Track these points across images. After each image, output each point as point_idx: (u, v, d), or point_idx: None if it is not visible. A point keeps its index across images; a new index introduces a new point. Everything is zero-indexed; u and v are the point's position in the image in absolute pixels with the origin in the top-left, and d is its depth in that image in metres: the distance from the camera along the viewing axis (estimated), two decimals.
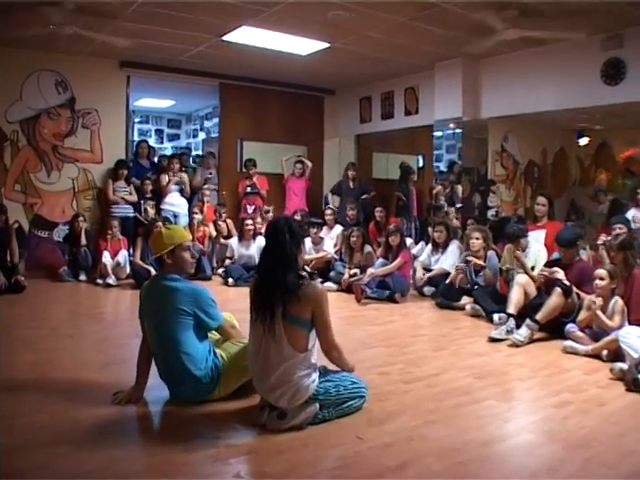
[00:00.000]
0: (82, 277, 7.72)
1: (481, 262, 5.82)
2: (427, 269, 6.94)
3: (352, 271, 7.10)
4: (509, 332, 4.55)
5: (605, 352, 3.99)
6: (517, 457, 2.51)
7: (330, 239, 8.23)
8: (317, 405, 2.86)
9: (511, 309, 4.74)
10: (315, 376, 2.88)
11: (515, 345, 4.41)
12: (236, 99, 9.61)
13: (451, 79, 8.09)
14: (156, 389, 3.26)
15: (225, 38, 7.23)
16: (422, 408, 3.12)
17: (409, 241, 8.22)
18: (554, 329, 4.56)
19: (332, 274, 7.57)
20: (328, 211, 8.68)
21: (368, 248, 7.30)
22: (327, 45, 7.42)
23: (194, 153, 12.21)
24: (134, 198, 8.41)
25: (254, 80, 9.53)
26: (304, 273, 2.95)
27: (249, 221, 8.09)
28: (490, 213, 9.73)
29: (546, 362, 4.05)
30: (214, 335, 3.40)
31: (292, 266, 2.81)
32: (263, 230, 8.57)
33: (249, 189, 9.33)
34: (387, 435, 2.76)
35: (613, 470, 2.41)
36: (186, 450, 2.58)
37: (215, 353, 3.24)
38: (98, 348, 4.38)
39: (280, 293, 2.77)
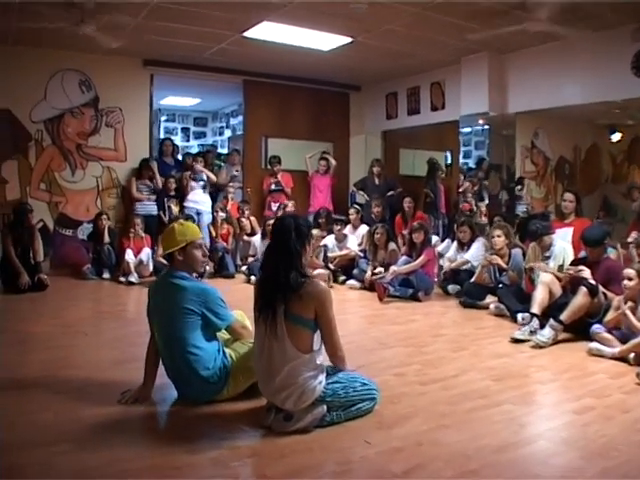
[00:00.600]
0: (106, 275, 7.73)
1: (501, 262, 5.65)
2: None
3: (377, 269, 6.97)
4: (532, 333, 4.39)
5: (632, 355, 3.80)
6: (530, 466, 2.37)
7: (354, 237, 8.12)
8: (324, 407, 2.76)
9: (535, 309, 4.57)
10: (322, 377, 2.78)
11: (538, 346, 4.24)
12: (260, 96, 9.56)
13: (477, 73, 7.90)
14: (165, 389, 3.22)
15: (246, 34, 7.17)
16: (435, 411, 3.00)
17: (435, 239, 8.06)
18: (580, 330, 4.37)
19: (355, 272, 7.47)
20: (352, 210, 8.55)
21: (392, 245, 7.18)
22: (349, 40, 7.31)
23: (219, 151, 12.19)
24: (159, 186, 8.40)
25: (278, 77, 9.46)
26: (308, 272, 2.85)
27: (271, 220, 7.98)
28: (521, 210, 9.54)
29: (569, 364, 3.87)
30: (225, 334, 3.32)
31: (295, 265, 2.73)
32: None
33: (273, 186, 9.28)
34: (396, 439, 2.65)
35: None
36: (188, 451, 2.51)
37: (224, 353, 3.17)
38: (113, 346, 4.35)
39: (282, 292, 2.69)
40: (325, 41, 7.42)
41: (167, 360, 3.18)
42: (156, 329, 3.22)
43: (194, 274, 3.29)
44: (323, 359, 2.83)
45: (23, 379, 3.53)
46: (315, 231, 7.79)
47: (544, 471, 2.32)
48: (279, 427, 2.73)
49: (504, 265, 5.61)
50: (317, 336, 2.77)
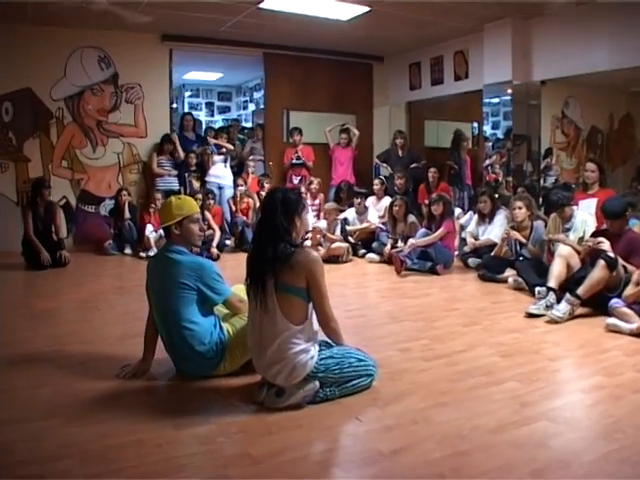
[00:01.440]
0: (127, 250, 7.77)
1: (520, 237, 5.46)
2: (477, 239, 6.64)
3: (399, 243, 6.85)
4: (548, 307, 4.23)
5: None
6: (526, 448, 2.24)
7: (375, 210, 7.99)
8: (317, 383, 2.70)
9: (551, 282, 4.40)
10: (314, 352, 2.71)
11: (553, 321, 4.08)
12: (281, 69, 9.41)
13: (500, 41, 7.59)
14: (164, 363, 3.20)
15: (262, 5, 7.00)
16: (435, 389, 2.91)
17: (458, 211, 7.90)
18: (598, 305, 4.19)
19: (374, 245, 7.36)
20: (376, 181, 8.42)
21: (412, 218, 7.04)
22: (367, 9, 7.09)
23: (243, 125, 12.11)
24: (181, 157, 8.39)
25: (298, 49, 9.27)
26: (299, 243, 2.77)
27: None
28: (550, 182, 9.27)
29: (584, 340, 3.72)
30: (224, 309, 3.27)
31: (284, 238, 2.65)
32: (309, 202, 8.50)
33: (294, 160, 9.17)
34: (390, 417, 2.57)
35: (634, 470, 2.10)
36: (176, 426, 2.49)
37: (221, 328, 3.13)
38: (122, 321, 4.35)
39: (271, 265, 2.61)
40: (342, 10, 7.21)
41: (164, 335, 3.16)
42: (153, 304, 3.20)
43: (190, 248, 3.24)
44: (316, 334, 2.76)
45: (29, 354, 3.55)
46: (330, 204, 7.74)
47: (539, 454, 2.20)
48: (271, 403, 2.68)
49: (523, 240, 5.42)
50: (310, 306, 2.70)
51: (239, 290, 3.37)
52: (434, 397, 2.79)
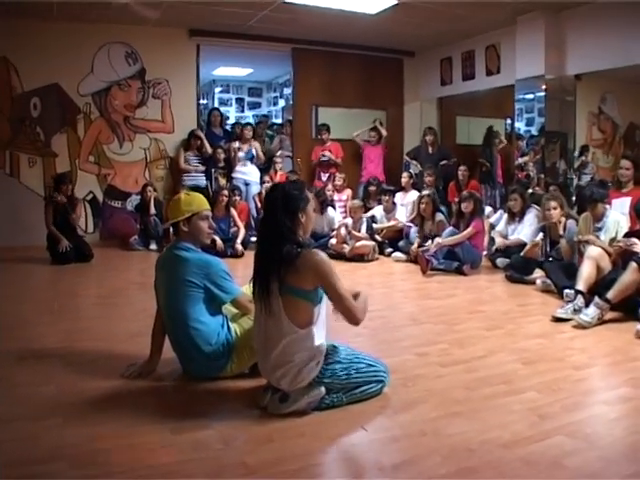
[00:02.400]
0: (152, 246, 7.75)
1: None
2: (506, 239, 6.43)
3: (428, 243, 6.67)
4: (576, 311, 4.02)
5: None
6: (539, 466, 2.08)
7: (402, 207, 7.85)
8: (322, 389, 2.57)
9: (580, 285, 4.18)
10: (320, 358, 2.58)
11: (581, 326, 3.87)
12: (310, 64, 9.30)
13: (533, 34, 7.35)
14: (171, 363, 3.12)
15: (287, 0, 6.92)
16: (449, 397, 2.75)
17: (488, 209, 7.69)
18: (629, 309, 3.98)
19: (401, 243, 7.21)
20: (404, 174, 8.30)
21: (440, 216, 6.85)
22: (394, 2, 6.93)
23: (273, 121, 12.05)
24: (208, 152, 8.32)
25: (327, 44, 9.16)
26: (307, 242, 2.64)
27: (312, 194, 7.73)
28: (585, 180, 8.97)
29: (612, 348, 3.51)
30: (233, 308, 3.18)
31: (287, 238, 2.51)
32: (336, 198, 8.38)
33: (323, 158, 9.06)
34: (397, 427, 2.44)
35: None
36: (174, 430, 2.40)
37: (229, 328, 3.03)
38: (137, 317, 4.28)
39: (276, 266, 2.49)
40: (370, 4, 7.06)
41: (171, 334, 3.08)
42: (161, 302, 3.13)
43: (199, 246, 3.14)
44: (324, 338, 2.63)
45: (39, 350, 3.52)
46: (356, 202, 7.60)
47: (552, 474, 2.03)
48: (274, 409, 2.56)
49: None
50: (317, 309, 2.57)
51: (249, 290, 3.27)
52: (447, 406, 2.65)
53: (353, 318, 2.59)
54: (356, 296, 2.69)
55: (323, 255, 2.55)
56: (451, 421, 2.49)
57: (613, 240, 4.50)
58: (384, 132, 9.38)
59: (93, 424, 2.46)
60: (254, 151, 8.60)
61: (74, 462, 2.13)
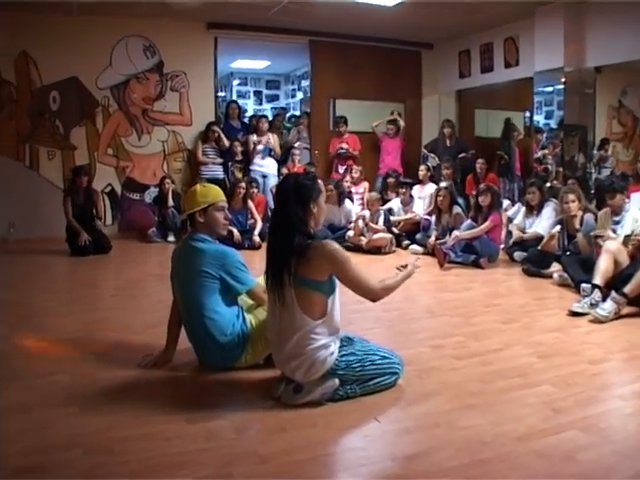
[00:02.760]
0: (170, 238, 7.80)
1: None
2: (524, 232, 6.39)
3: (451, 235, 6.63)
4: (593, 305, 3.98)
5: None
6: (552, 460, 2.07)
7: (420, 200, 7.82)
8: (336, 380, 2.58)
9: (597, 279, 4.13)
10: (334, 349, 2.59)
11: (597, 321, 3.83)
12: (327, 57, 9.27)
13: (552, 25, 7.25)
14: (187, 354, 3.14)
15: None
16: (464, 389, 2.75)
17: (506, 203, 7.63)
18: None
19: (418, 236, 7.19)
20: (422, 167, 8.27)
21: (457, 209, 6.81)
22: None
23: (291, 113, 12.04)
24: (225, 145, 8.34)
25: (345, 36, 9.11)
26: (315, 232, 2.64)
27: (330, 186, 7.69)
28: (604, 174, 8.85)
29: (629, 343, 3.46)
30: (248, 299, 3.19)
31: (298, 229, 2.51)
32: (353, 190, 8.37)
33: (340, 150, 9.04)
34: (410, 419, 2.44)
35: None
36: (188, 420, 2.42)
37: (244, 319, 3.04)
38: (153, 308, 4.31)
39: (287, 258, 2.50)
40: None
41: (186, 325, 3.11)
42: (177, 292, 3.15)
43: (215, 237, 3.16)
44: (338, 330, 2.64)
45: (57, 340, 3.57)
46: (373, 194, 7.58)
47: (565, 468, 2.02)
48: (288, 399, 2.58)
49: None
50: (330, 301, 2.57)
51: (264, 281, 3.28)
52: (461, 399, 2.64)
53: (376, 298, 2.70)
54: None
55: (335, 244, 2.55)
56: (465, 414, 2.48)
57: (628, 237, 4.44)
58: (402, 123, 9.33)
59: (109, 413, 2.49)
60: (271, 145, 8.60)
61: (90, 450, 2.16)
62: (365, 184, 8.60)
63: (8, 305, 4.41)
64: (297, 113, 11.83)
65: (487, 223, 6.20)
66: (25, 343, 3.47)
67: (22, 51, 7.62)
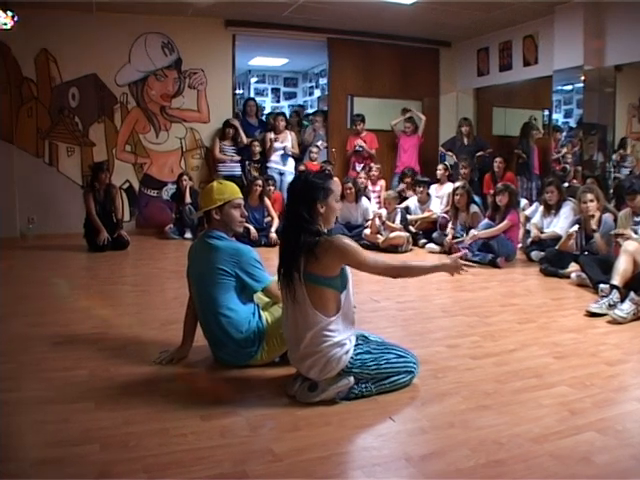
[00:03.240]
0: (187, 235, 7.83)
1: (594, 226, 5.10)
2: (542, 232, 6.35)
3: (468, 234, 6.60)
4: (611, 306, 3.94)
5: None
6: (568, 462, 2.05)
7: (437, 198, 7.79)
8: (351, 379, 2.58)
9: (616, 280, 4.09)
10: (349, 346, 2.59)
11: (615, 322, 3.79)
12: (345, 54, 9.25)
13: (572, 23, 7.16)
14: (204, 351, 3.17)
15: None
16: (479, 390, 2.73)
17: (524, 202, 7.57)
18: None
19: (435, 235, 7.17)
20: (440, 166, 8.23)
21: (474, 208, 6.78)
22: None
23: (308, 111, 12.02)
24: (243, 141, 8.35)
25: (363, 34, 9.09)
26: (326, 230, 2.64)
27: (349, 184, 7.68)
28: (624, 173, 8.75)
29: None
30: (264, 297, 3.20)
31: (305, 228, 2.53)
32: (370, 188, 8.35)
33: (358, 148, 9.02)
34: (426, 419, 2.43)
35: None
36: (203, 417, 2.43)
37: (260, 316, 3.05)
38: (168, 305, 4.36)
39: (297, 256, 2.51)
40: None
41: (202, 322, 3.13)
42: (193, 290, 3.17)
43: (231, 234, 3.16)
44: (353, 327, 2.63)
45: (73, 335, 3.60)
46: (390, 193, 7.55)
47: (582, 470, 2.00)
48: (303, 397, 2.58)
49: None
50: (342, 297, 2.57)
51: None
52: (477, 399, 2.63)
53: (393, 274, 2.69)
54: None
55: (343, 238, 2.56)
56: (480, 414, 2.47)
57: None
58: (422, 116, 9.27)
59: (125, 408, 2.51)
60: (289, 144, 8.60)
61: (105, 445, 2.18)
62: (382, 182, 8.58)
63: (27, 300, 4.46)
64: (312, 111, 11.81)
65: (505, 222, 6.17)
66: (42, 338, 3.50)
67: (42, 49, 7.69)
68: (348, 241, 2.55)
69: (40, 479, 1.96)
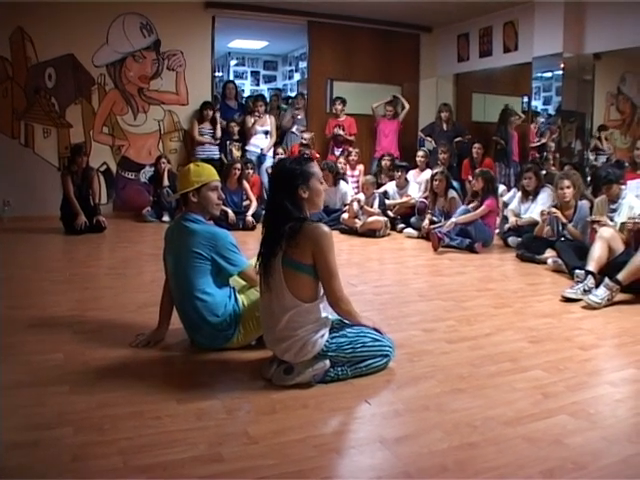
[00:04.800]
0: (165, 218, 7.76)
1: (561, 216, 5.15)
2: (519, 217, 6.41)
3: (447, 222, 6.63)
4: (586, 292, 3.99)
5: None
6: (541, 444, 2.08)
7: (416, 184, 7.80)
8: (327, 362, 2.59)
9: (591, 266, 4.14)
10: (324, 331, 2.59)
11: (590, 307, 3.85)
12: (325, 38, 9.20)
13: (552, 11, 7.20)
14: (180, 334, 3.16)
15: None
16: (454, 373, 2.76)
17: (502, 188, 7.61)
18: None
19: (413, 220, 7.19)
20: (420, 153, 8.22)
21: (452, 193, 6.80)
22: None
23: (289, 94, 11.96)
24: (219, 134, 8.29)
25: (344, 17, 9.03)
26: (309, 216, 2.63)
27: (327, 168, 7.65)
28: (601, 161, 8.85)
29: (621, 329, 3.48)
30: (241, 280, 3.19)
31: (291, 215, 2.52)
32: (348, 173, 8.34)
33: (336, 131, 8.98)
34: (401, 402, 2.44)
35: None
36: (179, 400, 2.42)
37: (236, 299, 3.05)
38: (146, 288, 4.32)
39: (277, 241, 2.51)
40: None
41: (178, 305, 3.11)
42: (169, 272, 3.15)
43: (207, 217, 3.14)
44: (328, 313, 2.64)
45: (49, 318, 3.57)
46: (368, 177, 7.56)
47: (554, 452, 2.03)
48: (279, 380, 2.58)
49: (564, 219, 5.14)
50: (320, 286, 2.58)
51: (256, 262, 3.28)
52: (451, 382, 2.65)
53: (337, 301, 2.57)
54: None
55: (327, 229, 2.54)
56: (455, 397, 2.49)
57: (624, 224, 4.43)
58: (407, 104, 9.26)
59: (100, 392, 2.49)
60: (269, 128, 8.56)
61: (80, 428, 2.17)
62: (360, 167, 8.58)
63: (3, 282, 4.40)
64: (294, 94, 11.75)
65: (482, 208, 6.20)
66: (19, 321, 3.46)
67: (17, 27, 7.51)
68: (331, 236, 2.54)
69: (14, 463, 1.94)
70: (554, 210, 5.17)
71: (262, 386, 2.58)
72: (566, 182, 5.22)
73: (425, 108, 9.93)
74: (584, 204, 5.26)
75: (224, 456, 1.98)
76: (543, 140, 8.37)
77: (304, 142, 8.58)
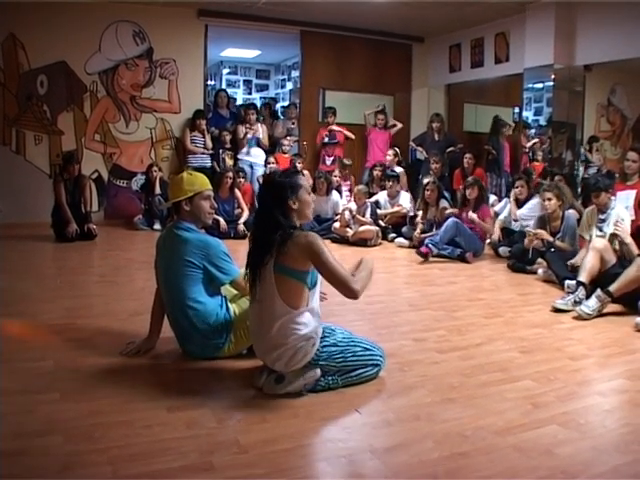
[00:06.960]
0: (157, 226, 7.74)
1: (547, 236, 5.16)
2: (508, 228, 6.44)
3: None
4: (577, 303, 4.00)
5: None
6: (531, 454, 2.09)
7: (407, 193, 7.83)
8: (318, 371, 2.59)
9: (582, 277, 4.15)
10: (315, 340, 2.59)
11: (581, 318, 3.86)
12: (318, 47, 9.26)
13: (543, 22, 7.29)
14: (171, 342, 3.14)
15: None
16: (445, 383, 2.77)
17: (493, 198, 7.67)
18: (631, 303, 3.94)
19: (404, 229, 7.21)
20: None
21: (444, 203, 6.84)
22: None
23: (280, 104, 11.99)
24: (209, 145, 8.29)
25: (336, 27, 9.10)
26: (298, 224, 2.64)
27: (321, 178, 7.70)
28: (591, 172, 8.93)
29: (611, 340, 3.50)
30: (232, 290, 3.19)
31: (276, 225, 2.53)
32: (342, 183, 8.36)
33: (327, 139, 9.03)
34: (391, 411, 2.45)
35: None
36: (170, 408, 2.42)
37: (228, 308, 3.04)
38: (137, 296, 4.31)
39: (268, 250, 2.52)
40: None
41: (169, 313, 3.11)
42: (160, 281, 3.14)
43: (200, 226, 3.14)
44: (319, 320, 2.64)
45: (41, 326, 3.55)
46: (360, 187, 7.58)
47: (544, 462, 2.04)
48: (270, 389, 2.58)
49: (550, 238, 5.14)
50: (311, 293, 2.59)
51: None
52: (442, 392, 2.66)
53: (350, 291, 2.53)
54: (358, 266, 2.74)
55: (315, 236, 2.55)
56: (446, 407, 2.50)
57: (613, 236, 4.44)
58: (399, 124, 9.33)
59: (90, 400, 2.48)
60: (260, 136, 8.58)
61: (70, 436, 2.16)
62: (352, 177, 8.62)
63: None
64: (286, 104, 11.79)
65: (488, 220, 6.26)
66: (9, 328, 3.44)
67: (10, 33, 7.51)
68: (319, 240, 2.54)
69: (2, 472, 1.92)
70: (540, 232, 5.15)
71: (252, 395, 2.58)
72: (547, 194, 5.19)
73: (417, 118, 10.00)
74: (571, 213, 5.30)
75: (215, 465, 1.98)
76: (535, 140, 8.41)
77: (285, 149, 8.60)
